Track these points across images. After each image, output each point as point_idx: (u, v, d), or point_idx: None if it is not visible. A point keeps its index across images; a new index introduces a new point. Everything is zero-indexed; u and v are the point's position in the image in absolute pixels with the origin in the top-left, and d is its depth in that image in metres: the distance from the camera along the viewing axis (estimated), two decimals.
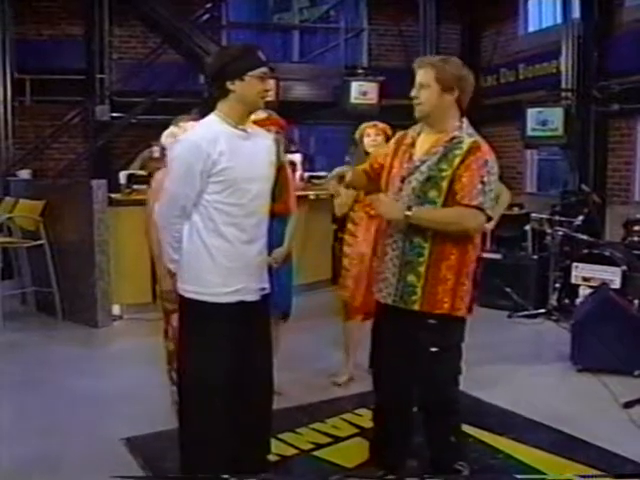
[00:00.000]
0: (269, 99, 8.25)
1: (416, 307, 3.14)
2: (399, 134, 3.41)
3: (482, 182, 3.04)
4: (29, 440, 3.97)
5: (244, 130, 3.08)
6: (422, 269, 3.11)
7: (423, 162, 3.13)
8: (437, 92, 3.11)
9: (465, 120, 3.19)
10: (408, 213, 3.05)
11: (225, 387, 3.12)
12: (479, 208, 3.04)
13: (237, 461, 3.23)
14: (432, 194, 3.08)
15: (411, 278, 3.13)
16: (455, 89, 3.12)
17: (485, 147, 3.13)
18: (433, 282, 3.10)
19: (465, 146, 3.08)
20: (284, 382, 4.67)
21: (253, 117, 4.30)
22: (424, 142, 3.19)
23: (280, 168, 4.49)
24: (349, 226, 4.83)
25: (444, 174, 3.07)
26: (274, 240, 4.41)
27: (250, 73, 2.98)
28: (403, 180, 3.17)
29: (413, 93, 3.18)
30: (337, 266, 7.85)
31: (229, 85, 2.98)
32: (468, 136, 3.13)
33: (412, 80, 3.23)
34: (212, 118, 3.07)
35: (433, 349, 3.13)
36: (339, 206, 4.82)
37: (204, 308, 3.05)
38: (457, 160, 3.06)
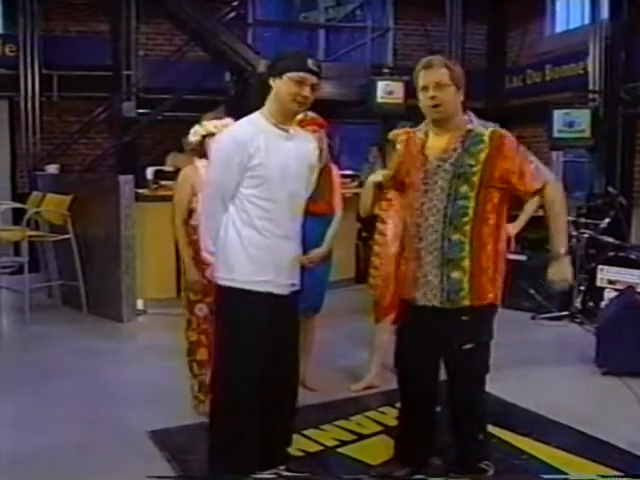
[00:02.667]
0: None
1: (466, 302, 3.15)
2: (404, 137, 3.41)
3: (530, 161, 3.15)
4: (55, 430, 4.03)
5: (285, 130, 3.14)
6: (466, 264, 3.12)
7: (444, 161, 3.14)
8: (454, 91, 3.14)
9: (470, 112, 3.23)
10: (562, 253, 3.19)
11: (255, 378, 3.15)
12: (545, 182, 3.15)
13: (260, 452, 3.26)
14: (463, 189, 3.10)
15: (456, 275, 3.13)
16: (462, 88, 3.16)
17: (504, 131, 3.20)
18: (477, 274, 3.13)
19: (486, 138, 3.11)
20: (308, 379, 4.71)
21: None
22: (436, 142, 3.20)
23: (324, 168, 4.53)
24: (378, 225, 4.82)
25: (474, 169, 3.09)
26: (313, 240, 4.43)
27: (288, 74, 3.04)
28: (426, 183, 3.17)
29: (431, 93, 3.12)
30: (360, 265, 7.90)
31: (271, 81, 3.09)
32: (483, 127, 3.16)
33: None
34: (256, 115, 3.16)
35: (468, 346, 3.15)
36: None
37: (236, 295, 3.12)
38: (483, 155, 3.09)
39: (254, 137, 3.05)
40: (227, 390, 3.16)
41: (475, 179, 3.09)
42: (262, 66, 8.80)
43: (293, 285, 3.27)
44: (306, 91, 3.08)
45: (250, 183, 3.07)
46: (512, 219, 3.67)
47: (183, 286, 4.35)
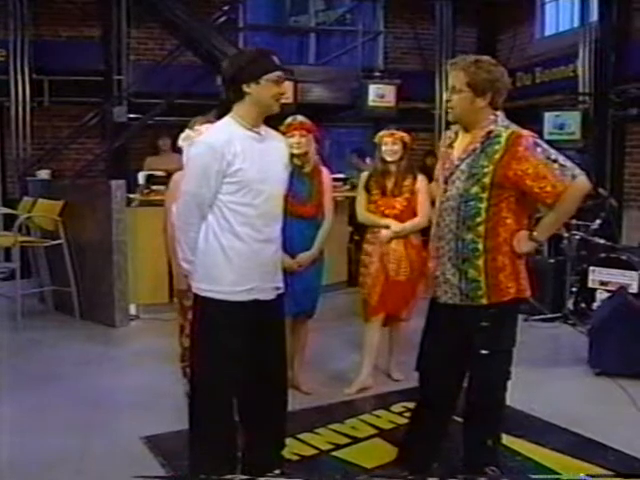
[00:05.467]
0: (287, 101, 8.42)
1: (484, 301, 3.15)
2: (442, 135, 3.41)
3: (553, 160, 3.04)
4: (49, 437, 4.01)
5: (258, 132, 3.12)
6: (480, 262, 3.13)
7: (462, 160, 3.14)
8: (469, 97, 3.10)
9: (500, 113, 3.17)
10: (534, 237, 3.12)
11: (237, 385, 3.17)
12: (573, 177, 3.03)
13: (250, 458, 3.30)
14: (474, 190, 3.09)
15: (472, 273, 3.14)
16: (488, 92, 3.10)
17: (525, 132, 3.11)
18: (493, 272, 3.12)
19: (503, 140, 3.06)
20: (302, 382, 4.72)
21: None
22: (461, 142, 3.20)
23: (313, 171, 4.55)
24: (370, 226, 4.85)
25: (486, 170, 3.07)
26: (301, 243, 4.45)
27: (266, 77, 3.03)
28: (446, 181, 3.18)
29: (446, 97, 3.18)
30: (353, 268, 7.91)
31: (245, 88, 3.03)
32: (504, 128, 3.11)
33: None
34: (227, 120, 3.12)
35: (483, 352, 3.15)
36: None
37: (218, 306, 3.10)
38: (497, 155, 3.05)
39: (230, 143, 3.01)
40: (204, 396, 3.16)
41: (486, 180, 3.07)
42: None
43: (278, 289, 3.27)
44: (283, 88, 3.12)
45: (229, 189, 3.04)
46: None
47: (175, 293, 4.34)
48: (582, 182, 3.06)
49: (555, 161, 3.04)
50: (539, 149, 3.05)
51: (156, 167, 8.02)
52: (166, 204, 4.32)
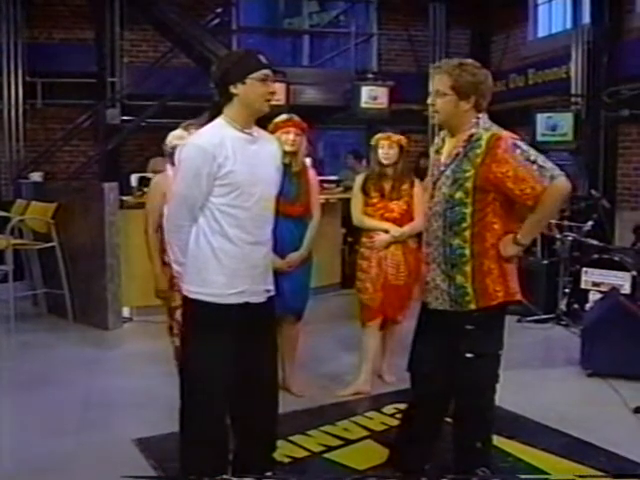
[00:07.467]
0: (279, 103, 8.44)
1: (472, 306, 3.14)
2: (436, 138, 3.40)
3: (532, 161, 3.02)
4: (41, 440, 4.00)
5: (250, 134, 3.11)
6: (468, 268, 3.12)
7: (447, 166, 3.14)
8: (453, 101, 3.10)
9: (483, 115, 3.15)
10: (519, 241, 3.10)
11: (228, 387, 3.16)
12: (552, 178, 3.01)
13: (241, 460, 3.30)
14: (458, 195, 3.09)
15: (460, 279, 3.13)
16: (472, 96, 3.09)
17: (505, 133, 3.10)
18: (480, 277, 3.12)
19: (484, 142, 3.05)
20: (293, 384, 4.71)
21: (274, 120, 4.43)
22: (447, 146, 3.20)
23: (301, 171, 4.56)
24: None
25: (467, 174, 3.06)
26: (290, 242, 4.45)
27: (251, 76, 3.01)
28: (434, 187, 3.19)
29: (429, 100, 3.17)
30: (346, 270, 7.92)
31: (232, 89, 3.02)
32: (485, 131, 3.09)
33: (425, 84, 3.23)
34: (218, 122, 3.10)
35: (468, 355, 3.15)
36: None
37: (209, 309, 3.09)
38: (479, 159, 3.04)
39: (222, 145, 3.00)
40: (195, 399, 3.15)
41: (469, 185, 3.06)
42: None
43: (268, 291, 3.26)
44: (272, 87, 3.10)
45: (220, 192, 3.02)
46: None
47: (155, 294, 4.33)
48: (561, 183, 3.05)
49: (534, 162, 3.02)
50: (518, 150, 3.04)
51: (161, 169, 8.01)
52: (147, 206, 4.32)
